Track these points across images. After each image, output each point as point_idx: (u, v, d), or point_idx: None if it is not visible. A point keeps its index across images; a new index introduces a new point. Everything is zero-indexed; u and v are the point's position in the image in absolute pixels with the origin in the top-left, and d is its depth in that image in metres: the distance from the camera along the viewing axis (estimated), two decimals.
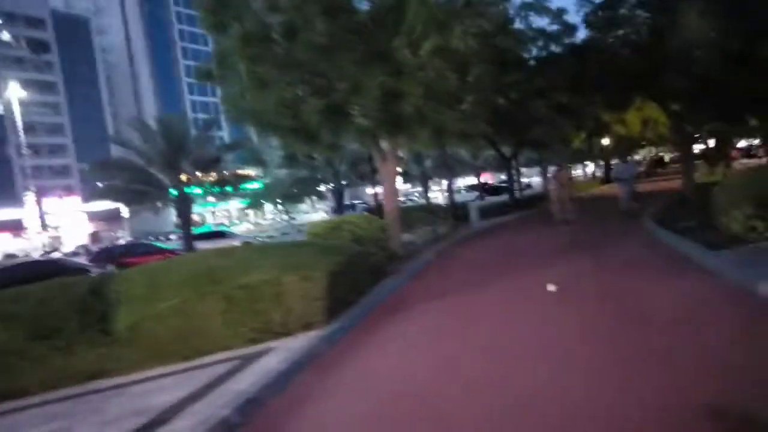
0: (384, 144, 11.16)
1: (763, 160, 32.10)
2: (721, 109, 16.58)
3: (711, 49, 10.36)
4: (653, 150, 53.14)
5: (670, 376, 3.48)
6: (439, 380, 4.14)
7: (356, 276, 7.09)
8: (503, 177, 52.04)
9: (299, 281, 5.60)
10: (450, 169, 25.82)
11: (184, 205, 19.18)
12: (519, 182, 49.02)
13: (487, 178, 55.14)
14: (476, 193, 42.64)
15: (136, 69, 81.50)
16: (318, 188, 26.56)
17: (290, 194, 33.01)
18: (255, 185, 43.46)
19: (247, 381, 4.41)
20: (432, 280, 8.94)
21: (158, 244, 31.79)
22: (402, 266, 9.76)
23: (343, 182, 26.38)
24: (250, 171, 32.12)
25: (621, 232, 11.19)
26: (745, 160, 32.68)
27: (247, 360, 5.04)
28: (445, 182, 63.28)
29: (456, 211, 18.24)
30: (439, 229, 15.80)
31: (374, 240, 9.23)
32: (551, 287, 6.69)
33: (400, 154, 25.36)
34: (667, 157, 49.58)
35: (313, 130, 10.84)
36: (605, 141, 36.13)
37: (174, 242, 32.11)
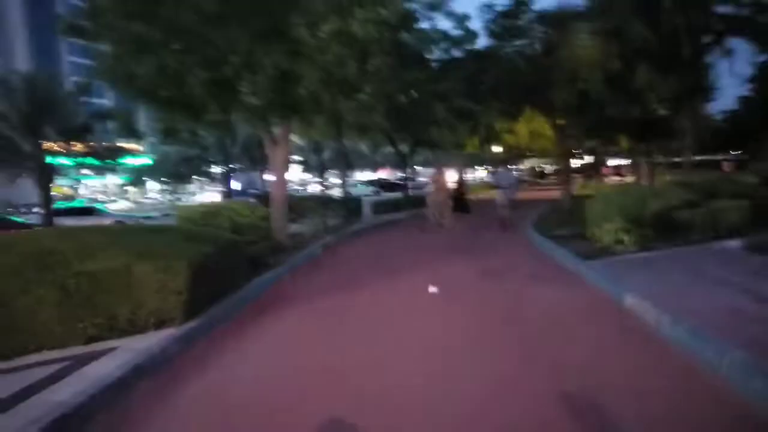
0: (275, 128, 10.46)
1: (628, 179, 36.08)
2: (597, 127, 17.99)
3: (593, 70, 10.97)
4: (538, 161, 57.26)
5: (530, 378, 3.75)
6: (302, 394, 3.70)
7: (229, 268, 6.42)
8: (401, 174, 53.19)
9: (154, 272, 4.83)
10: (346, 161, 25.46)
11: (43, 176, 16.82)
12: (415, 180, 50.53)
13: (385, 174, 55.83)
14: (373, 188, 42.98)
15: (6, 18, 71.15)
16: (207, 169, 24.82)
17: (176, 173, 30.72)
18: (140, 160, 40.01)
19: (70, 390, 3.64)
20: (315, 276, 8.47)
21: (14, 217, 27.84)
22: (286, 258, 9.18)
23: (235, 166, 24.93)
24: (134, 145, 29.32)
25: (501, 238, 11.54)
26: (615, 178, 36.29)
27: (80, 362, 4.22)
28: (351, 173, 63.68)
29: (349, 205, 17.90)
30: (330, 221, 15.36)
31: (256, 229, 8.54)
32: (432, 289, 6.59)
33: (296, 140, 24.73)
34: (549, 169, 53.56)
35: (197, 103, 9.88)
36: (496, 149, 38.02)
37: (36, 216, 28.37)
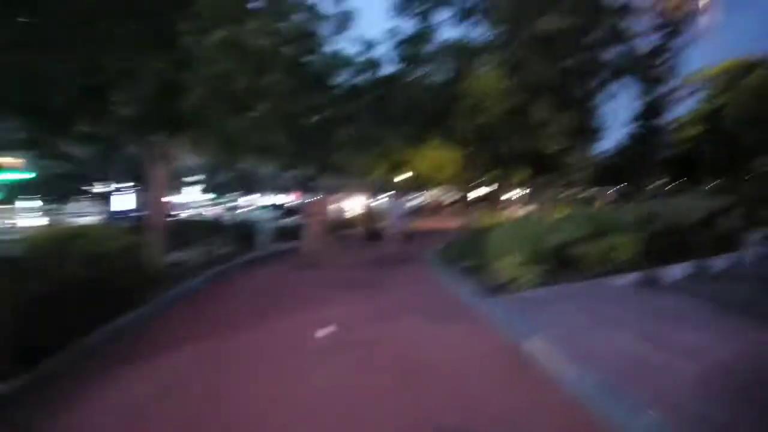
0: (155, 143, 9.28)
1: (528, 208, 37.98)
2: (497, 159, 18.46)
3: (495, 102, 11.06)
4: (442, 190, 58.96)
5: None
6: None
7: (73, 310, 5.23)
8: (308, 199, 52.05)
9: None
10: (246, 183, 24.12)
11: None
12: None
13: (291, 198, 54.37)
14: (276, 213, 41.51)
15: None
16: (86, 188, 22.25)
17: (52, 191, 27.33)
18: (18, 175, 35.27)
19: None
20: (185, 316, 7.35)
21: None
22: (157, 294, 7.97)
23: (121, 185, 22.62)
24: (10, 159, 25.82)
25: (403, 270, 11.08)
26: (514, 209, 37.93)
27: None
28: (251, 197, 61.11)
29: (244, 231, 16.62)
30: (221, 249, 14.09)
31: (122, 258, 7.27)
32: (320, 332, 5.86)
33: (191, 159, 23.05)
34: (450, 198, 55.19)
35: (61, 112, 8.50)
36: (401, 176, 38.39)
37: None
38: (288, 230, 19.80)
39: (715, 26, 22.58)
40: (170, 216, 34.57)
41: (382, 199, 46.11)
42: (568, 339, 4.83)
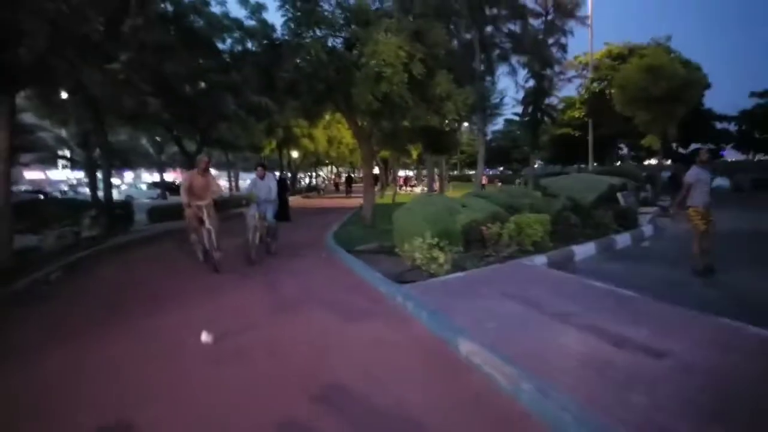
0: None
1: (418, 189, 38.17)
2: (396, 134, 17.77)
3: (397, 71, 10.14)
4: (335, 168, 57.81)
5: None
6: None
7: None
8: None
9: None
10: (120, 158, 21.16)
11: None
12: None
13: (176, 176, 50.00)
14: (158, 191, 37.73)
15: None
16: None
17: None
18: None
19: None
20: (33, 317, 5.62)
21: None
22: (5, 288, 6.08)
23: None
24: None
25: (305, 255, 9.87)
26: (408, 188, 37.94)
27: None
28: (130, 174, 55.01)
29: (114, 211, 14.22)
30: (87, 232, 11.87)
31: None
32: (206, 336, 4.57)
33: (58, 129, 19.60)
34: (346, 176, 54.39)
35: None
36: (295, 153, 36.69)
37: None
38: (164, 209, 17.55)
39: (595, 13, 23.77)
40: (38, 193, 29.74)
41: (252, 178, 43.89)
42: (510, 337, 4.06)
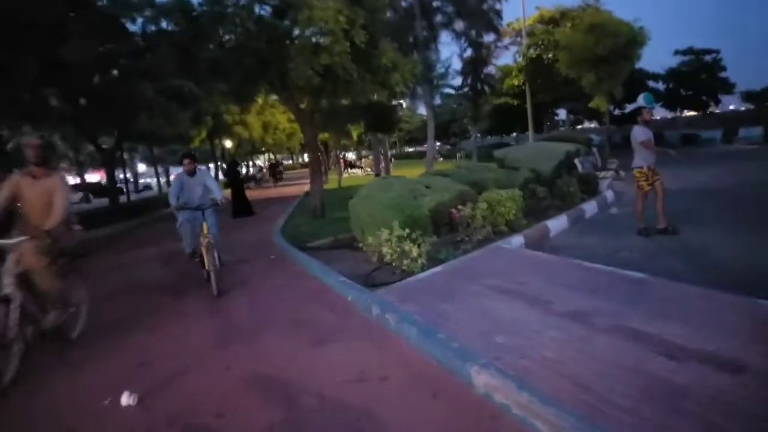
0: None
1: (360, 172, 37.00)
2: (338, 113, 16.54)
3: (337, 39, 8.96)
4: (272, 156, 55.42)
5: None
6: None
7: None
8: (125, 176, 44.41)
9: None
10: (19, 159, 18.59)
11: None
12: (135, 183, 42.86)
13: (99, 176, 46.07)
14: (80, 194, 34.50)
15: None
16: None
17: None
18: None
19: None
20: None
21: None
22: None
23: None
24: None
25: (249, 254, 8.62)
26: (354, 170, 36.59)
27: None
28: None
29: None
30: None
31: None
32: (127, 398, 3.38)
33: None
34: (284, 163, 52.26)
35: None
36: (228, 143, 34.49)
37: None
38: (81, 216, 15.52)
39: None
40: None
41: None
42: (526, 355, 3.15)
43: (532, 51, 24.35)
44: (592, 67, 17.46)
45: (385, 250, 6.12)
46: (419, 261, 5.82)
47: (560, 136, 16.94)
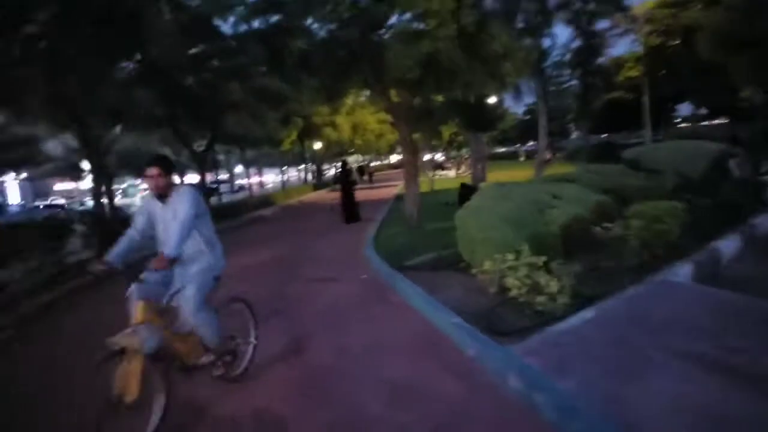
0: None
1: (452, 173, 35.27)
2: (439, 110, 15.19)
3: (445, 22, 7.62)
4: (360, 157, 55.29)
5: None
6: None
7: None
8: (222, 177, 46.34)
9: None
10: (126, 164, 19.32)
11: None
12: (230, 184, 44.41)
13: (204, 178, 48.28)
14: None
15: None
16: None
17: None
18: None
19: None
20: None
21: None
22: None
23: None
24: None
25: (330, 277, 7.46)
26: (442, 172, 34.95)
27: None
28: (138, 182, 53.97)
29: (113, 228, 12.02)
30: (72, 256, 9.91)
31: None
32: None
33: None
34: (374, 164, 51.73)
35: None
36: (317, 145, 34.39)
37: None
38: None
39: None
40: (56, 207, 28.41)
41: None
42: None
43: (653, 38, 21.43)
44: (742, 50, 14.51)
45: (510, 281, 4.67)
46: (560, 300, 4.30)
47: (693, 134, 14.36)
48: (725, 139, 13.82)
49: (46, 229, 10.18)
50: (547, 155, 22.65)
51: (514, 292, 4.59)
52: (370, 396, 3.37)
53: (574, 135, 52.23)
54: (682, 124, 32.60)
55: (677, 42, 20.04)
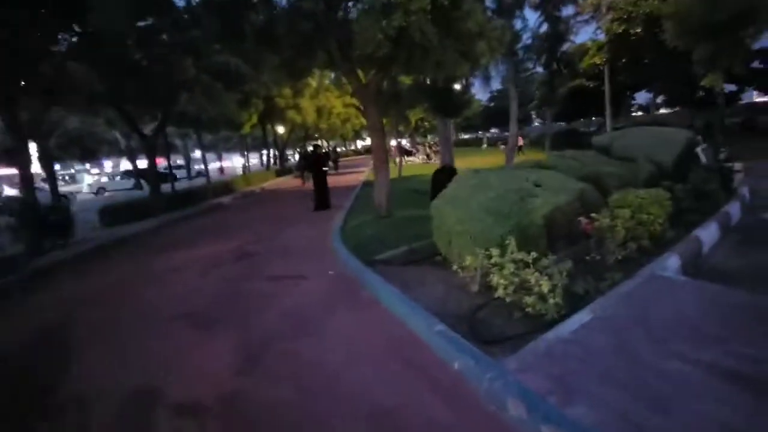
0: None
1: (418, 159, 34.79)
2: (392, 97, 14.62)
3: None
4: (323, 143, 54.09)
5: None
6: None
7: None
8: (179, 162, 44.30)
9: None
10: (72, 146, 17.92)
11: None
12: (187, 169, 42.57)
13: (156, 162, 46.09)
14: (132, 181, 34.27)
15: None
16: None
17: None
18: None
19: None
20: None
21: None
22: None
23: None
24: None
25: (293, 274, 6.85)
26: (408, 158, 34.40)
27: None
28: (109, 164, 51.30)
29: (51, 214, 10.84)
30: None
31: None
32: None
33: None
34: (338, 150, 50.64)
35: None
36: (280, 129, 33.23)
37: None
38: (120, 208, 14.37)
39: None
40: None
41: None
42: None
43: (616, 26, 21.42)
44: (707, 36, 14.48)
45: (495, 279, 4.21)
46: (552, 300, 3.87)
47: (656, 120, 14.31)
48: (685, 127, 13.84)
49: None
50: (519, 141, 22.39)
51: (500, 292, 4.14)
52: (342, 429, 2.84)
53: (536, 123, 52.67)
54: (638, 113, 33.11)
55: (639, 30, 20.08)
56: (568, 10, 21.89)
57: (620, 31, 21.48)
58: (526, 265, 4.10)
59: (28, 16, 9.63)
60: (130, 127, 14.72)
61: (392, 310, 4.57)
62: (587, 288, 4.23)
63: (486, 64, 9.07)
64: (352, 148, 74.15)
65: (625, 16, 21.57)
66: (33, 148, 20.21)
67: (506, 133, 29.57)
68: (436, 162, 25.60)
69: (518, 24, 17.17)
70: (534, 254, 4.13)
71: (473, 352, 3.30)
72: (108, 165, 53.43)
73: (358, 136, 56.26)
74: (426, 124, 29.07)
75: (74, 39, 11.94)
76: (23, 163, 10.92)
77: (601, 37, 24.01)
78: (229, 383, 3.54)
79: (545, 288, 3.89)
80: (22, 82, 10.72)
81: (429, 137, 42.65)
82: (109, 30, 10.55)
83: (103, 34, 10.72)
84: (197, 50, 12.48)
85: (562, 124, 41.29)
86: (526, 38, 19.56)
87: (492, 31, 8.79)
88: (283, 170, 33.65)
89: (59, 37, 11.52)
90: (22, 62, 9.65)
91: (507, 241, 4.39)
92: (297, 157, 37.27)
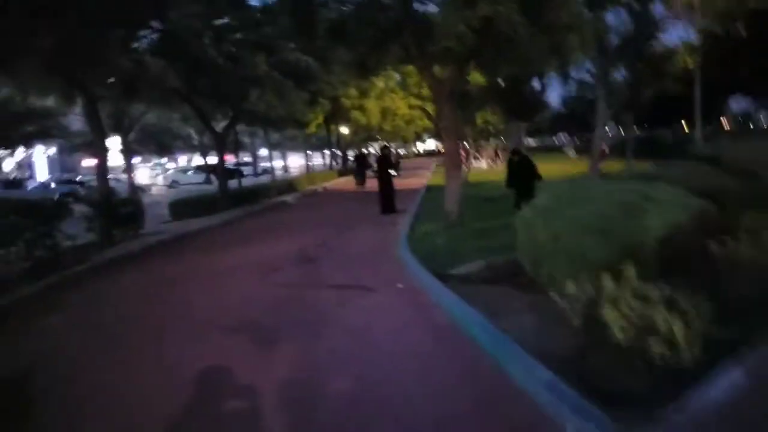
0: None
1: (484, 165, 33.47)
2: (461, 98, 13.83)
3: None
4: (387, 143, 53.80)
5: None
6: None
7: None
8: (246, 159, 45.43)
9: None
10: (149, 141, 18.49)
11: None
12: (253, 167, 43.50)
13: (227, 159, 47.51)
14: (203, 176, 35.33)
15: None
16: None
17: None
18: None
19: None
20: None
21: None
22: None
23: None
24: None
25: (357, 286, 6.25)
26: (475, 163, 33.11)
27: None
28: (165, 160, 53.68)
29: (120, 207, 10.98)
30: (67, 240, 8.78)
31: None
32: None
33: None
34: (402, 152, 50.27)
35: None
36: (344, 129, 33.11)
37: None
38: (190, 202, 14.58)
39: None
40: (76, 183, 27.80)
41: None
42: None
43: (712, 24, 19.56)
44: None
45: (609, 314, 3.43)
46: (685, 351, 3.04)
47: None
48: None
49: (39, 208, 9.18)
50: (605, 148, 20.76)
51: (616, 333, 3.35)
52: None
53: (607, 130, 49.94)
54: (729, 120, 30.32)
55: (741, 30, 18.22)
56: (658, 8, 20.21)
57: (717, 30, 19.60)
58: (655, 303, 3.29)
59: (114, 12, 9.78)
60: (203, 123, 14.99)
61: (478, 342, 3.87)
62: (730, 335, 3.35)
63: (576, 60, 8.13)
64: (413, 149, 73.81)
65: (724, 14, 19.66)
66: (117, 141, 21.11)
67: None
68: (500, 169, 24.42)
69: (610, 18, 15.60)
70: (666, 290, 3.31)
71: (594, 415, 2.56)
72: (182, 159, 55.97)
73: (418, 138, 55.61)
74: (490, 127, 27.77)
75: (153, 36, 12.15)
76: (100, 155, 11.14)
77: (692, 37, 22.05)
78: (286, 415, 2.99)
79: (679, 332, 3.07)
80: (105, 77, 10.96)
81: (492, 141, 41.13)
82: (186, 27, 10.62)
83: (181, 32, 10.80)
84: (269, 47, 12.36)
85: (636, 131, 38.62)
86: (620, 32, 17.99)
87: (586, 24, 7.91)
88: (345, 171, 33.54)
89: (139, 33, 11.73)
90: (104, 56, 9.79)
91: (622, 267, 3.60)
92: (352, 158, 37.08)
